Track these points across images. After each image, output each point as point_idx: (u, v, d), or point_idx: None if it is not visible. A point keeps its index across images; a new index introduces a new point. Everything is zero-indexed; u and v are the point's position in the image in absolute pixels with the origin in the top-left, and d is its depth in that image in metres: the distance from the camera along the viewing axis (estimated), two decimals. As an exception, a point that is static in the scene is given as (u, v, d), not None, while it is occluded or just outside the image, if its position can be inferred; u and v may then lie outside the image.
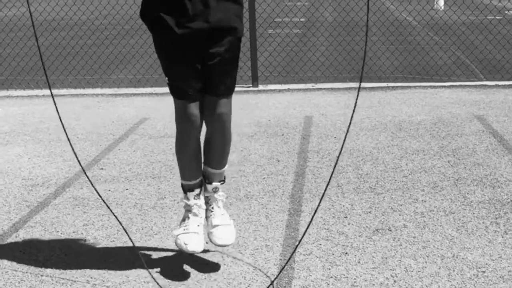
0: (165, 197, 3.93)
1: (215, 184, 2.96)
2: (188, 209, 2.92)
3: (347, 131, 2.93)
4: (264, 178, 4.22)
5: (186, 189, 2.93)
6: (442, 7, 15.64)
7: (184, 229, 2.86)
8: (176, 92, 2.82)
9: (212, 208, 2.96)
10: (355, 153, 4.68)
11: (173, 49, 2.76)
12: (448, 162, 4.42)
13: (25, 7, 9.30)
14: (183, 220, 2.92)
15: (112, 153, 4.85)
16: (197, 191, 2.91)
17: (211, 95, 2.83)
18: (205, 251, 3.03)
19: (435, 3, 15.81)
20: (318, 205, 2.94)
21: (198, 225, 2.88)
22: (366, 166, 4.38)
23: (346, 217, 3.53)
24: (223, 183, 3.03)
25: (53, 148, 5.03)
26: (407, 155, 4.60)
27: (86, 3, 10.46)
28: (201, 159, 2.98)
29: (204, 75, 2.80)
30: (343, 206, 3.70)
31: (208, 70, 2.79)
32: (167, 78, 2.83)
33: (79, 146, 5.02)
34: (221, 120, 2.86)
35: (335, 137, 5.09)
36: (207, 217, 2.98)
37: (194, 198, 2.90)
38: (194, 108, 2.80)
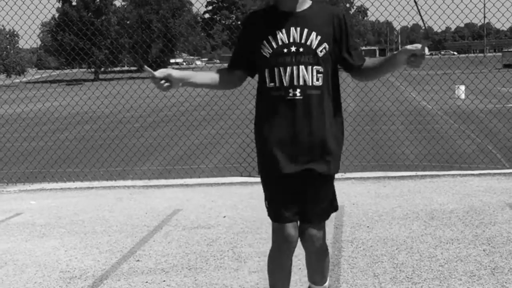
0: (204, 289, 3.93)
1: None
2: None
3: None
4: (300, 268, 4.22)
5: None
6: (463, 95, 15.90)
7: None
8: (273, 215, 3.03)
9: None
10: (389, 242, 4.67)
11: (274, 184, 2.99)
12: (484, 250, 4.40)
13: (50, 102, 9.65)
14: None
15: (147, 245, 4.89)
16: None
17: (304, 222, 3.03)
18: None
19: (454, 92, 16.11)
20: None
21: None
22: (401, 256, 4.36)
23: (389, 309, 3.50)
24: None
25: (88, 240, 5.08)
26: (441, 244, 4.58)
27: (109, 97, 10.84)
28: (290, 275, 3.18)
29: (301, 200, 3.00)
30: (385, 297, 3.67)
31: (304, 201, 3.00)
32: (266, 202, 3.05)
33: (114, 237, 5.08)
34: (313, 241, 3.06)
35: (368, 227, 5.10)
36: None
37: None
38: (291, 229, 2.99)
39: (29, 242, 5.08)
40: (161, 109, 12.95)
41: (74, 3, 66.03)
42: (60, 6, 64.59)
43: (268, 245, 4.65)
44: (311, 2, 2.93)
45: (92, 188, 6.99)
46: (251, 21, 2.99)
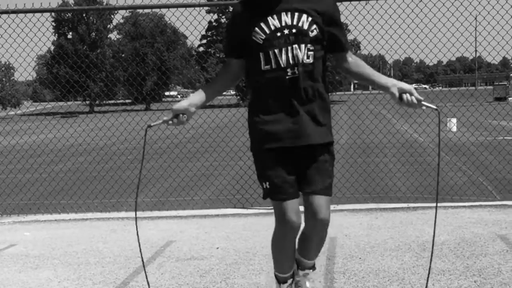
0: (197, 320, 3.95)
1: (307, 270, 3.32)
2: None
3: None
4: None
5: (281, 281, 3.31)
6: (454, 129, 16.08)
7: None
8: (275, 193, 3.06)
9: None
10: (381, 273, 4.71)
11: (274, 158, 3.08)
12: (475, 282, 4.44)
13: (45, 134, 9.72)
14: None
15: (140, 276, 4.90)
16: (289, 281, 3.30)
17: (310, 193, 3.07)
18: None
19: (446, 125, 16.29)
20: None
21: None
22: (393, 287, 4.40)
23: None
24: (314, 270, 3.35)
25: (82, 271, 5.09)
26: (433, 275, 4.62)
27: (103, 129, 10.91)
28: (295, 255, 3.27)
29: (302, 175, 3.09)
30: (377, 327, 3.69)
31: (308, 171, 3.09)
32: (267, 183, 3.08)
33: (107, 269, 5.09)
34: (321, 211, 3.08)
35: (360, 258, 5.14)
36: None
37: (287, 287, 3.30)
38: (293, 214, 3.04)
39: (22, 273, 5.09)
40: (155, 141, 13.02)
41: (69, 36, 66.61)
42: (55, 39, 65.14)
43: (261, 276, 4.69)
44: None
45: (86, 219, 7.01)
46: (241, 10, 3.09)
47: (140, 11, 62.71)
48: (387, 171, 9.27)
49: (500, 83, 59.78)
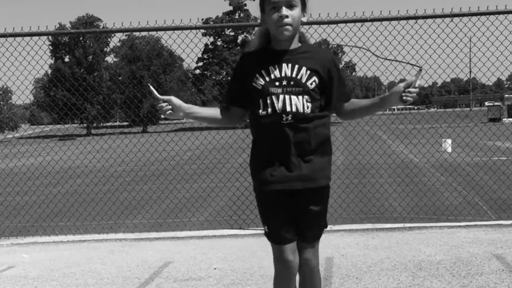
0: None
1: None
2: None
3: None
4: None
5: None
6: (449, 149, 16.19)
7: None
8: (273, 238, 3.18)
9: None
10: (378, 293, 4.74)
11: (272, 203, 3.17)
12: (471, 301, 4.47)
13: (42, 157, 9.76)
14: None
15: (139, 297, 4.93)
16: None
17: (300, 241, 3.20)
18: None
19: (441, 145, 16.40)
20: None
21: None
22: (390, 306, 4.43)
23: None
24: None
25: (80, 292, 5.11)
26: (429, 294, 4.65)
27: (101, 151, 10.97)
28: None
29: (297, 219, 3.20)
30: None
31: (299, 218, 3.19)
32: (266, 227, 3.20)
33: (106, 290, 5.11)
34: (308, 265, 3.22)
35: (356, 278, 5.18)
36: None
37: None
38: (290, 254, 3.15)
39: (21, 295, 5.10)
40: (152, 163, 13.09)
41: (66, 60, 66.92)
42: (52, 62, 65.44)
43: (259, 295, 4.72)
44: (300, 43, 3.18)
45: (84, 241, 7.03)
46: (245, 60, 3.23)
47: (137, 34, 63.14)
48: (383, 191, 9.33)
49: (494, 104, 60.22)
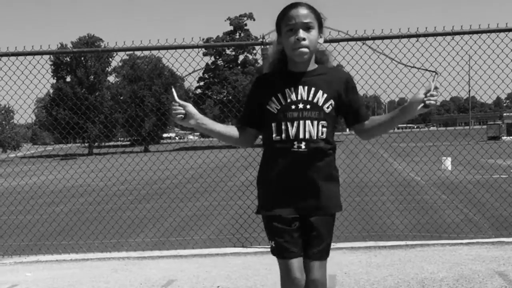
0: None
1: None
2: None
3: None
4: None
5: None
6: (449, 168, 16.23)
7: None
8: (279, 252, 3.15)
9: None
10: (381, 310, 4.75)
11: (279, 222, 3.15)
12: (475, 318, 4.48)
13: (45, 176, 9.80)
14: None
15: (142, 315, 4.93)
16: None
17: (306, 258, 3.16)
18: None
19: (442, 164, 16.44)
20: None
21: None
22: (394, 324, 4.44)
23: None
24: None
25: (84, 311, 5.12)
26: (433, 311, 4.66)
27: (103, 170, 11.00)
28: None
29: (304, 237, 3.17)
30: None
31: (307, 237, 3.16)
32: (272, 242, 3.18)
33: (109, 308, 5.11)
34: (315, 286, 3.16)
35: (360, 295, 5.18)
36: None
37: None
38: (297, 272, 3.11)
39: (25, 313, 5.11)
40: (154, 182, 13.11)
41: (68, 80, 67.25)
42: (54, 82, 65.76)
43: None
44: (317, 65, 3.16)
45: (87, 260, 7.04)
46: (261, 82, 3.21)
47: (138, 53, 63.50)
48: (384, 209, 9.35)
49: (493, 123, 60.36)
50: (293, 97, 3.07)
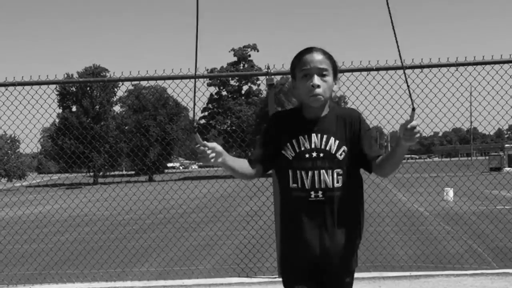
0: None
1: None
2: None
3: None
4: None
5: None
6: (452, 198, 16.24)
7: None
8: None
9: None
10: None
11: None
12: None
13: (50, 205, 9.85)
14: None
15: None
16: None
17: None
18: None
19: (445, 194, 16.45)
20: None
21: None
22: None
23: None
24: None
25: None
26: None
27: (109, 199, 11.05)
28: None
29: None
30: None
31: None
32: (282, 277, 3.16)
33: (114, 337, 5.12)
34: None
35: (364, 326, 5.18)
36: None
37: None
38: None
39: None
40: (159, 211, 13.15)
41: (74, 109, 67.71)
42: (60, 112, 66.19)
43: None
44: (329, 108, 3.11)
45: (92, 289, 7.04)
46: (276, 122, 3.15)
47: (144, 83, 64.00)
48: (389, 240, 9.34)
49: (495, 154, 60.36)
50: (307, 145, 3.03)
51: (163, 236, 10.23)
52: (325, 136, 3.04)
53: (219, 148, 2.90)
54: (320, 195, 2.99)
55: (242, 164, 3.09)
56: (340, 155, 3.03)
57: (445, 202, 13.53)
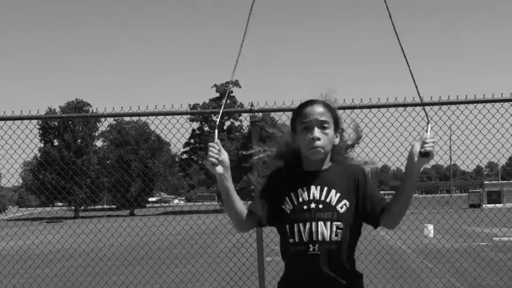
0: None
1: None
2: None
3: None
4: None
5: None
6: (432, 235, 16.33)
7: None
8: None
9: None
10: None
11: None
12: None
13: (31, 239, 9.73)
14: None
15: None
16: None
17: None
18: None
19: (425, 230, 16.53)
20: None
21: None
22: None
23: None
24: None
25: None
26: None
27: (90, 234, 10.95)
28: None
29: None
30: None
31: None
32: None
33: None
34: None
35: None
36: None
37: None
38: None
39: None
40: (141, 247, 13.03)
41: (55, 143, 67.31)
42: (42, 146, 65.74)
43: None
44: (330, 163, 3.01)
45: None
46: (275, 177, 3.05)
47: (127, 119, 63.97)
48: (372, 277, 9.35)
49: (474, 191, 60.95)
50: (305, 196, 2.91)
51: (145, 272, 10.12)
52: (325, 188, 2.92)
53: (225, 157, 2.81)
54: (317, 249, 2.85)
55: (239, 201, 2.94)
56: (341, 208, 2.89)
57: (426, 239, 13.60)
